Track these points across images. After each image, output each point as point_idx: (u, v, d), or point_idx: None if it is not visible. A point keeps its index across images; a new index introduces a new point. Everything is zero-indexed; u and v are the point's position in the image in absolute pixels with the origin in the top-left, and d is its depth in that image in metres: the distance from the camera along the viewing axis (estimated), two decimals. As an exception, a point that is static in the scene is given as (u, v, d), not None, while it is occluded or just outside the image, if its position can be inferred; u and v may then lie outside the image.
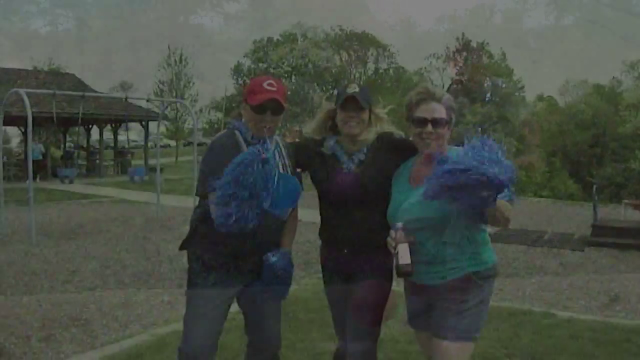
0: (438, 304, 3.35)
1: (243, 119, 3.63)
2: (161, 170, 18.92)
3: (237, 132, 3.61)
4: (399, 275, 3.21)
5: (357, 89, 3.58)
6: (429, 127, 3.31)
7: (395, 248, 3.18)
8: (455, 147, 3.37)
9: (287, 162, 3.72)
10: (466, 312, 3.26)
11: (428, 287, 3.38)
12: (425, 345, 3.58)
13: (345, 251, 3.68)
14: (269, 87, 3.48)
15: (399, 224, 3.22)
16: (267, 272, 3.54)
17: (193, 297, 3.53)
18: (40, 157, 27.36)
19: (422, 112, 3.35)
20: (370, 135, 3.66)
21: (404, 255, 3.15)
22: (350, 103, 3.56)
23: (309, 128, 3.88)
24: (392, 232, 3.25)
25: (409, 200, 3.33)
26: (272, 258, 3.54)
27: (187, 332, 3.44)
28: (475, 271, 3.28)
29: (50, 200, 18.96)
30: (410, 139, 3.51)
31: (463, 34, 55.23)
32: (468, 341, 3.29)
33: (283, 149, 3.77)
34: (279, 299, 3.77)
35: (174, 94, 45.26)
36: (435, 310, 3.37)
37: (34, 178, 19.88)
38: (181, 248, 3.74)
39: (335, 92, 3.73)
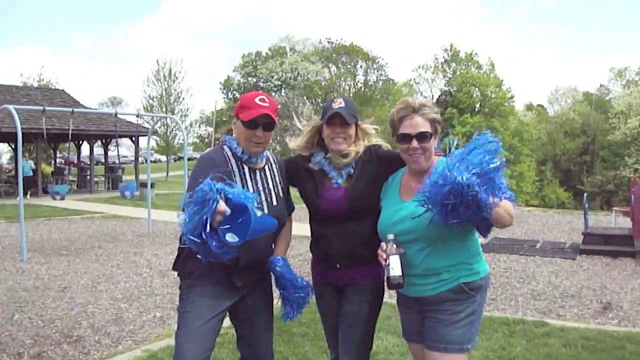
0: (430, 315, 3.35)
1: (234, 134, 3.63)
2: (152, 185, 18.90)
3: (226, 148, 3.62)
4: (390, 287, 3.21)
5: (342, 104, 3.58)
6: (415, 143, 3.32)
7: (386, 260, 3.19)
8: (442, 158, 3.38)
9: (278, 179, 3.74)
10: (459, 324, 3.26)
11: (421, 299, 3.38)
12: (419, 357, 3.57)
13: (337, 265, 3.67)
14: (260, 103, 3.49)
15: (390, 236, 3.23)
16: (280, 279, 3.62)
17: (184, 313, 3.51)
18: (31, 174, 27.26)
19: (405, 128, 3.36)
20: (358, 149, 3.65)
21: (395, 267, 3.15)
22: (335, 119, 3.56)
23: (295, 144, 3.88)
24: (383, 244, 3.25)
25: (400, 213, 3.34)
26: (277, 267, 3.60)
27: (178, 347, 3.41)
28: (468, 282, 3.29)
29: (41, 217, 18.87)
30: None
31: (451, 45, 55.50)
32: (461, 352, 3.28)
33: (274, 165, 3.78)
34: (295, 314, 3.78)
35: (164, 109, 45.21)
36: (428, 321, 3.37)
37: (25, 194, 19.85)
38: (174, 268, 3.73)
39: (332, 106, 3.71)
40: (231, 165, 3.54)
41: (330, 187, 3.67)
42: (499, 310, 7.65)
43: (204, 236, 2.94)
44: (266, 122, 3.49)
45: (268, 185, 3.64)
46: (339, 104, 3.59)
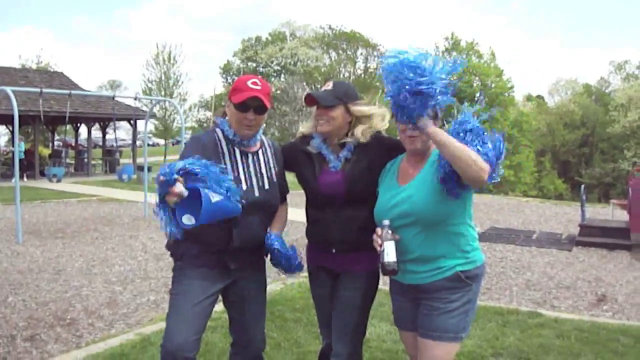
0: (425, 303, 3.34)
1: (227, 117, 3.62)
2: (149, 169, 18.86)
3: (217, 130, 3.61)
4: (384, 273, 3.20)
5: (329, 87, 3.60)
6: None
7: (380, 246, 3.17)
8: None
9: (272, 163, 3.72)
10: (454, 312, 3.25)
11: (416, 287, 3.36)
12: (410, 345, 3.56)
13: (334, 250, 3.66)
14: (252, 86, 3.48)
15: (386, 221, 3.21)
16: (275, 257, 3.63)
17: (175, 294, 3.52)
18: (22, 156, 27.11)
19: None
20: (356, 132, 3.62)
21: (389, 253, 3.14)
22: (309, 102, 3.59)
23: (306, 128, 3.85)
24: (378, 230, 3.24)
25: (396, 197, 3.32)
26: (275, 244, 3.60)
27: (169, 328, 3.41)
28: (464, 270, 3.27)
29: (38, 199, 18.85)
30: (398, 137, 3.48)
31: (452, 34, 55.32)
32: (454, 341, 3.27)
33: (269, 149, 3.76)
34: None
35: (163, 93, 45.08)
36: (422, 309, 3.36)
37: (21, 177, 19.78)
38: (167, 247, 3.72)
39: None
40: (221, 147, 3.54)
41: (328, 171, 3.65)
42: (493, 300, 7.65)
43: (162, 214, 3.04)
44: (257, 104, 3.47)
45: (260, 168, 3.63)
46: (325, 87, 3.62)
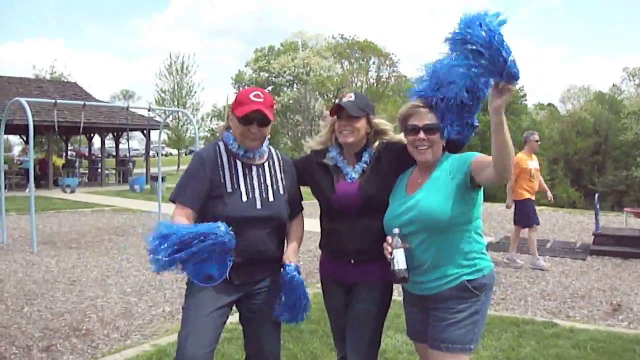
0: (434, 313, 3.35)
1: (231, 130, 3.65)
2: (163, 179, 18.90)
3: (220, 143, 3.65)
4: (395, 281, 3.25)
5: (352, 98, 3.62)
6: (421, 134, 3.33)
7: (391, 254, 3.21)
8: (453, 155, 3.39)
9: (279, 176, 3.73)
10: (461, 323, 3.26)
11: (424, 297, 3.39)
12: (424, 357, 3.57)
13: (352, 261, 3.67)
14: (255, 99, 3.51)
15: (395, 230, 3.26)
16: (289, 286, 3.66)
17: (185, 309, 3.54)
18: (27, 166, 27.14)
19: (413, 120, 3.38)
20: (374, 145, 3.69)
21: (399, 261, 3.18)
22: (341, 112, 3.59)
23: (315, 142, 3.89)
24: (389, 238, 3.28)
25: (403, 206, 3.36)
26: (292, 272, 3.63)
27: (180, 341, 3.42)
28: (471, 280, 3.28)
29: (52, 209, 18.94)
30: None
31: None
32: (463, 353, 3.27)
33: (277, 162, 3.78)
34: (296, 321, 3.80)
35: (176, 103, 45.26)
36: (432, 320, 3.37)
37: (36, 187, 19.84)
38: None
39: (337, 100, 3.73)
40: (221, 159, 3.58)
41: (344, 182, 3.68)
42: (508, 310, 7.62)
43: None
44: (260, 117, 3.50)
45: (265, 181, 3.64)
46: (348, 97, 3.64)
